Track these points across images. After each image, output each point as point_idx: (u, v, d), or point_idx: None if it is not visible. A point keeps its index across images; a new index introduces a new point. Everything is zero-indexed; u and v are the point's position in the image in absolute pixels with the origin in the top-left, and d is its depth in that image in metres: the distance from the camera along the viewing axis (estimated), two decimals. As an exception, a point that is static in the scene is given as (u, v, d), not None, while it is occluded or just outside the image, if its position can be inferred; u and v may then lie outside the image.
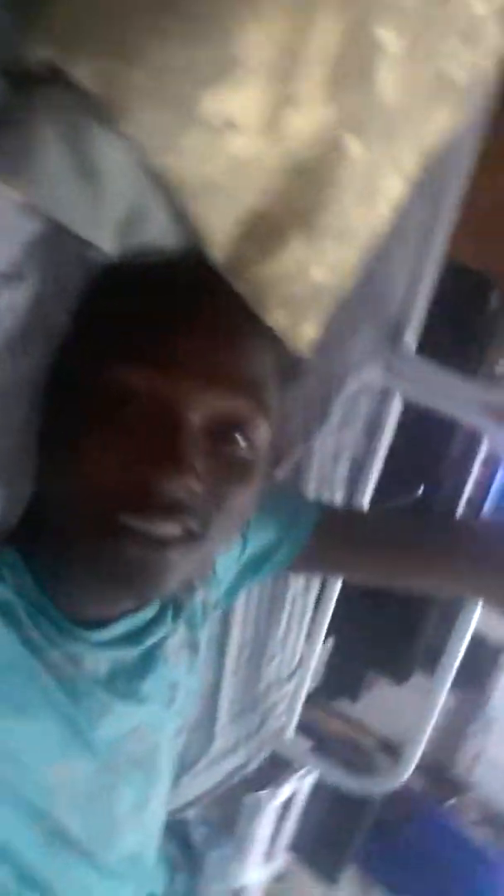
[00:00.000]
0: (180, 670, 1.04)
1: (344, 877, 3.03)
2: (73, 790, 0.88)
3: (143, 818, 1.01)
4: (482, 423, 1.57)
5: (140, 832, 1.01)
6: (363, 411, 1.61)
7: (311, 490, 1.57)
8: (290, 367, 0.86)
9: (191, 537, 0.76)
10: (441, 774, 4.06)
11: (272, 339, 0.82)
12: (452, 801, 3.98)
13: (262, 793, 2.47)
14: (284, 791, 2.55)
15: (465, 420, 1.59)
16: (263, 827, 2.50)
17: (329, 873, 2.94)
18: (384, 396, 1.61)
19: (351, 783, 2.04)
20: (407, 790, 2.08)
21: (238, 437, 0.77)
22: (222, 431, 0.76)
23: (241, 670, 1.68)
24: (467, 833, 3.70)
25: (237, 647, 1.60)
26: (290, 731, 2.03)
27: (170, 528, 0.74)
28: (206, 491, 0.75)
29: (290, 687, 1.91)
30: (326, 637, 1.90)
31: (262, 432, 0.79)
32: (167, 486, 0.72)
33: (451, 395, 1.56)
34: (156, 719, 1.00)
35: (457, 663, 1.67)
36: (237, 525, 0.83)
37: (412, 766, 1.82)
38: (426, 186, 1.33)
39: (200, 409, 0.74)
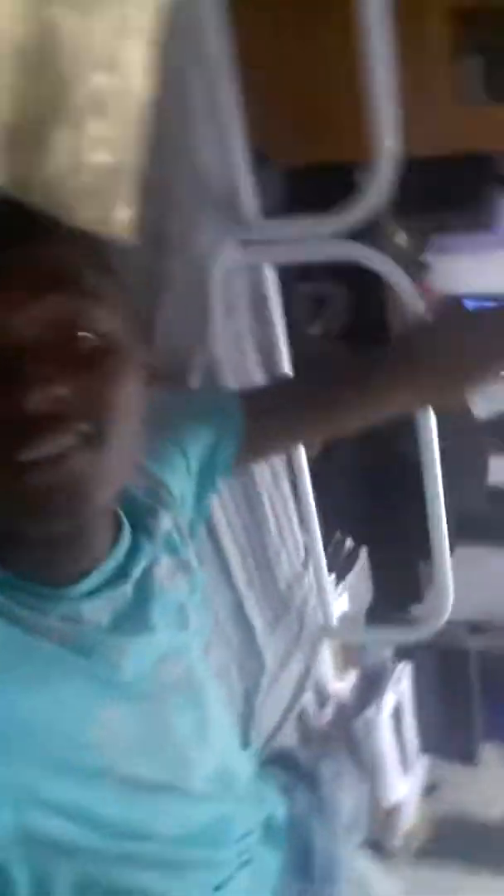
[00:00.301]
0: (181, 592, 1.05)
1: (484, 755, 3.05)
2: (124, 737, 0.89)
3: (210, 736, 1.02)
4: (357, 252, 1.56)
5: (213, 750, 1.02)
6: (243, 295, 1.61)
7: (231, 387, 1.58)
8: (108, 250, 0.86)
9: (88, 441, 0.76)
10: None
11: (76, 233, 0.81)
12: None
13: (368, 711, 2.52)
14: (388, 701, 2.59)
15: (339, 256, 1.58)
16: (385, 741, 2.55)
17: (468, 756, 2.98)
18: (254, 272, 1.61)
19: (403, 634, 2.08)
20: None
21: (77, 331, 0.77)
22: (60, 331, 0.76)
23: (255, 578, 1.69)
24: None
25: (238, 557, 1.61)
26: (332, 619, 2.06)
27: (61, 441, 0.75)
28: (75, 391, 0.75)
29: (310, 576, 1.93)
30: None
31: (101, 317, 0.79)
32: (32, 406, 0.72)
33: (313, 240, 1.56)
34: (178, 643, 1.02)
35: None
36: (134, 417, 0.83)
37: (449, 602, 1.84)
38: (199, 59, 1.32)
39: (23, 322, 0.74)
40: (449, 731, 2.83)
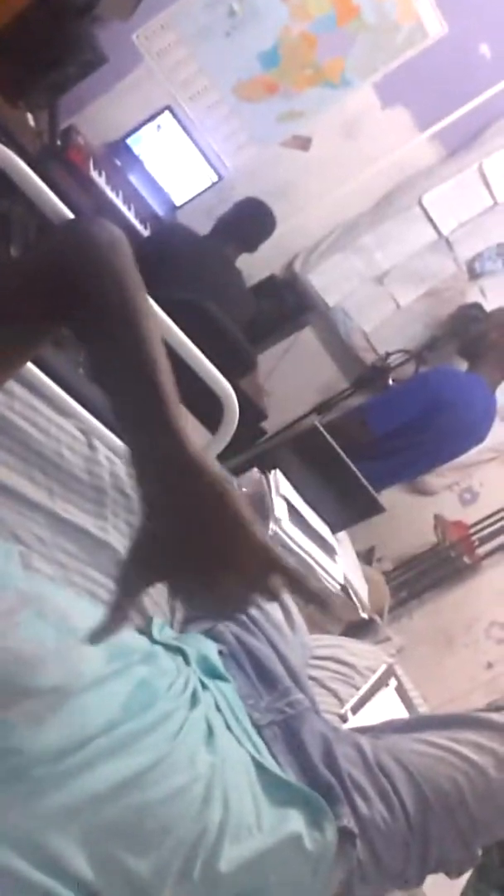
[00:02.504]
0: None
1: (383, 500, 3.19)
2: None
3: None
4: None
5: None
6: None
7: None
8: None
9: None
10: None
11: None
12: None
13: (269, 527, 2.57)
14: (280, 509, 2.66)
15: None
16: (300, 541, 2.62)
17: (374, 509, 3.08)
18: None
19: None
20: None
21: None
22: None
23: (54, 487, 1.62)
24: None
25: (28, 484, 1.53)
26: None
27: None
28: None
29: (102, 453, 1.84)
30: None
31: None
32: None
33: None
34: None
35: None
36: None
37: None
38: None
39: None
40: (344, 500, 2.96)
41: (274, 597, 0.79)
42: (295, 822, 1.10)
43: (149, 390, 0.78)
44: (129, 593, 0.80)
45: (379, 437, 3.62)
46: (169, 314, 1.65)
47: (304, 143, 3.96)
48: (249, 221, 3.49)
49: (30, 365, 1.51)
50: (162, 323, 1.61)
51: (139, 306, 0.82)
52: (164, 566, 0.78)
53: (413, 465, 3.69)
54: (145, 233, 3.68)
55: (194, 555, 0.77)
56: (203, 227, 3.52)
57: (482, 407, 3.65)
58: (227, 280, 3.28)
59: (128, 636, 1.04)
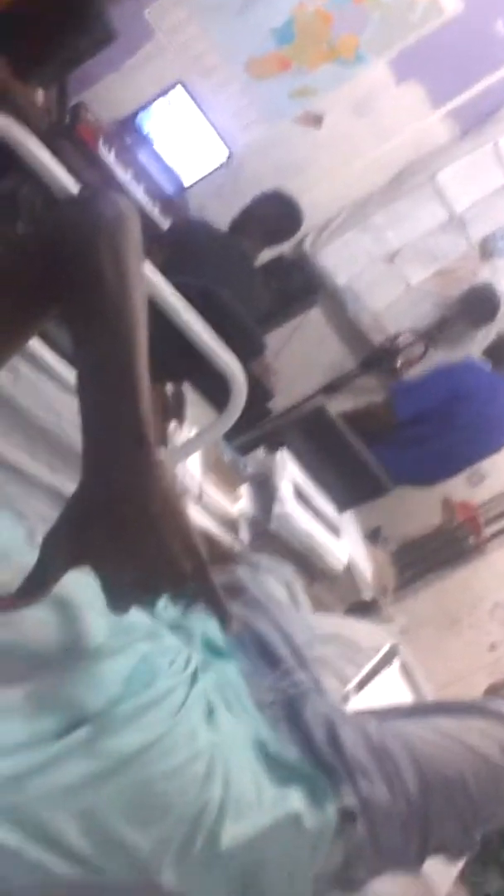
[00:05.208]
0: None
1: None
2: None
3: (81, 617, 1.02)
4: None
5: (94, 617, 1.02)
6: None
7: None
8: None
9: None
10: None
11: None
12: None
13: (275, 509, 2.57)
14: (286, 489, 2.67)
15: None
16: (304, 522, 2.63)
17: (380, 489, 3.09)
18: None
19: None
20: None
21: None
22: None
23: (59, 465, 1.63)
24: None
25: (29, 462, 1.55)
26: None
27: None
28: None
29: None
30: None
31: None
32: None
33: None
34: None
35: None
36: None
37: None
38: None
39: None
40: (351, 480, 2.97)
41: (181, 586, 0.80)
42: (295, 800, 1.11)
43: (123, 373, 0.79)
44: (49, 568, 0.80)
45: (403, 420, 3.64)
46: (181, 296, 1.65)
47: (316, 120, 3.93)
48: (276, 219, 3.36)
49: (34, 341, 1.51)
50: (172, 303, 1.61)
51: (132, 290, 0.82)
52: (90, 537, 0.78)
53: (433, 460, 3.71)
54: (155, 211, 3.66)
55: (120, 528, 0.77)
56: (213, 206, 3.50)
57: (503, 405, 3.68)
58: (245, 281, 3.24)
59: (131, 613, 1.05)
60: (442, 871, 1.59)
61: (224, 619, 0.85)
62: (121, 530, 0.77)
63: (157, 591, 0.81)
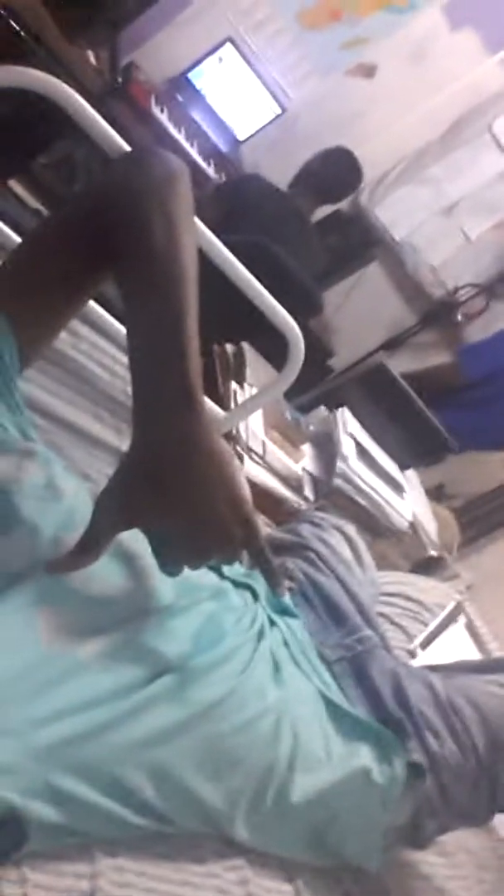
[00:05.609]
0: (36, 476, 0.97)
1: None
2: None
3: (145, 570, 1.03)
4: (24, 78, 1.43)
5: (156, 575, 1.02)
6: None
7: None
8: None
9: None
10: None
11: None
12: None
13: (337, 466, 2.57)
14: (348, 446, 2.65)
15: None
16: (368, 478, 2.62)
17: (445, 448, 3.06)
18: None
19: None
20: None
21: None
22: None
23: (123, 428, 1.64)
24: None
25: (89, 418, 1.54)
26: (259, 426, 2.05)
27: None
28: None
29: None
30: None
31: None
32: None
33: None
34: (62, 514, 0.97)
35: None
36: None
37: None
38: None
39: None
40: (413, 439, 2.94)
41: (231, 551, 0.80)
42: (364, 756, 1.11)
43: (171, 333, 0.78)
44: (101, 530, 0.80)
45: (471, 381, 3.59)
46: (237, 256, 1.63)
47: (369, 71, 3.85)
48: (335, 175, 3.29)
49: (93, 303, 1.51)
50: (228, 262, 1.59)
51: (181, 249, 0.81)
52: (138, 499, 0.77)
53: (501, 422, 3.66)
54: (209, 170, 3.63)
55: (166, 489, 0.76)
56: (266, 161, 3.46)
57: None
58: (301, 237, 3.20)
59: (197, 573, 1.06)
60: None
61: (275, 585, 0.84)
62: (167, 491, 0.77)
63: (207, 555, 0.81)
